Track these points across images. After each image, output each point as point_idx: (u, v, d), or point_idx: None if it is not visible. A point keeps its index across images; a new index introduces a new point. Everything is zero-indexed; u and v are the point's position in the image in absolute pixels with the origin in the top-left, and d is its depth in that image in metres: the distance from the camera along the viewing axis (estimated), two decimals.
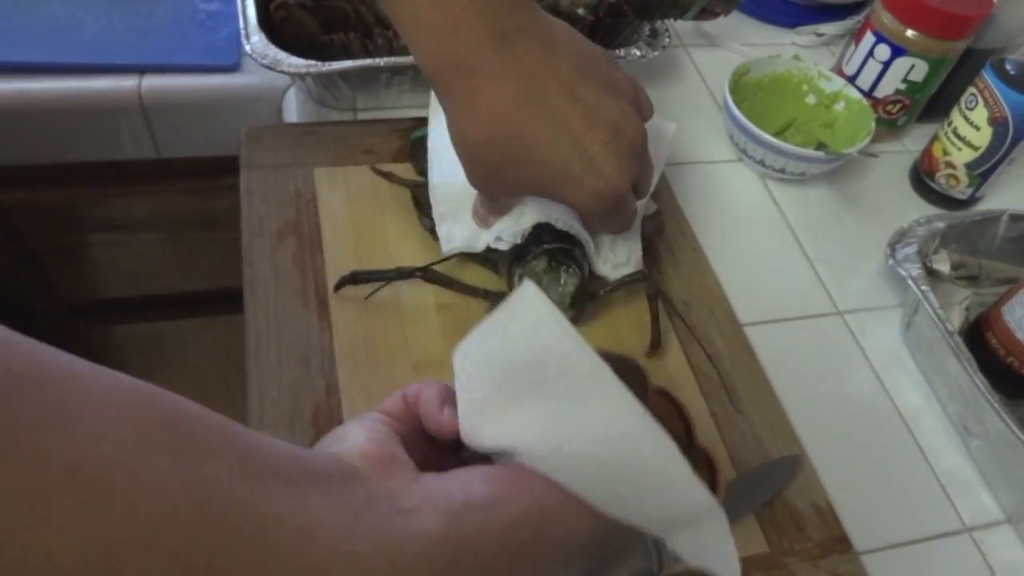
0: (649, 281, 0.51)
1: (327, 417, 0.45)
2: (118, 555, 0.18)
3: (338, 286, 0.48)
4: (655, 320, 0.50)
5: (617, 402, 0.25)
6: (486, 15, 0.38)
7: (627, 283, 0.51)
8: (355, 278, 0.48)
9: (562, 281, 0.48)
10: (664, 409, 0.38)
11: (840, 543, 0.45)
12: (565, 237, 0.48)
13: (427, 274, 0.48)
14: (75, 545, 0.18)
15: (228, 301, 0.85)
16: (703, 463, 0.37)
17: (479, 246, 0.49)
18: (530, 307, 0.25)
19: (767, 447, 0.48)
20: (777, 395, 0.51)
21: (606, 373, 0.24)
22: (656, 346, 0.50)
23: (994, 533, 0.48)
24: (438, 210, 0.51)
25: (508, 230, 0.48)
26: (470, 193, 0.49)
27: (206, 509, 0.20)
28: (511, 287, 0.49)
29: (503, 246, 0.48)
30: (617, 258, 0.51)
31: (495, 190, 0.47)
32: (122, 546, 0.18)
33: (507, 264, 0.50)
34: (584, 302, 0.49)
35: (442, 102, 0.42)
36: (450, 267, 0.50)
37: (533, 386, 0.26)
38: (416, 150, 0.56)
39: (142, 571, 0.19)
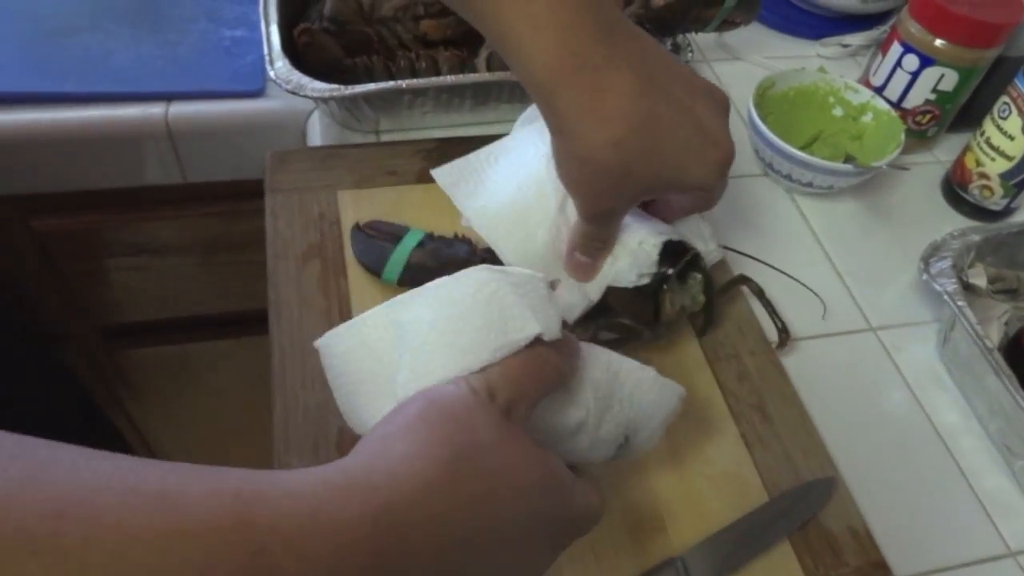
0: (751, 283, 0.54)
1: (351, 440, 0.44)
2: None
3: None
4: (772, 311, 0.53)
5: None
6: (592, 7, 0.37)
7: (729, 289, 0.53)
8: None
9: (692, 290, 0.49)
10: None
11: (878, 568, 0.43)
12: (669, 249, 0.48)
13: None
14: None
15: (254, 323, 0.85)
16: None
17: (594, 297, 0.47)
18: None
19: (800, 469, 0.46)
20: (809, 415, 0.49)
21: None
22: (787, 333, 0.53)
23: None
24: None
25: (641, 262, 0.46)
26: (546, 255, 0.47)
27: None
28: (657, 309, 0.48)
29: (647, 280, 0.46)
30: (708, 244, 0.52)
31: (618, 203, 0.43)
32: None
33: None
34: (712, 304, 0.50)
35: (555, 119, 0.39)
36: None
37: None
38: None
39: None
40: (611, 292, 0.48)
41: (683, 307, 0.48)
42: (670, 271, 0.47)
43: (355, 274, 0.51)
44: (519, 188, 0.49)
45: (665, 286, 0.47)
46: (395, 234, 0.51)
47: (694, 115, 0.39)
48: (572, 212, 0.46)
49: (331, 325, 0.49)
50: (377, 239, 0.51)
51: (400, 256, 0.49)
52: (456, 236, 0.51)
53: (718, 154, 0.40)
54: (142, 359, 0.89)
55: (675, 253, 0.48)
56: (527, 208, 0.48)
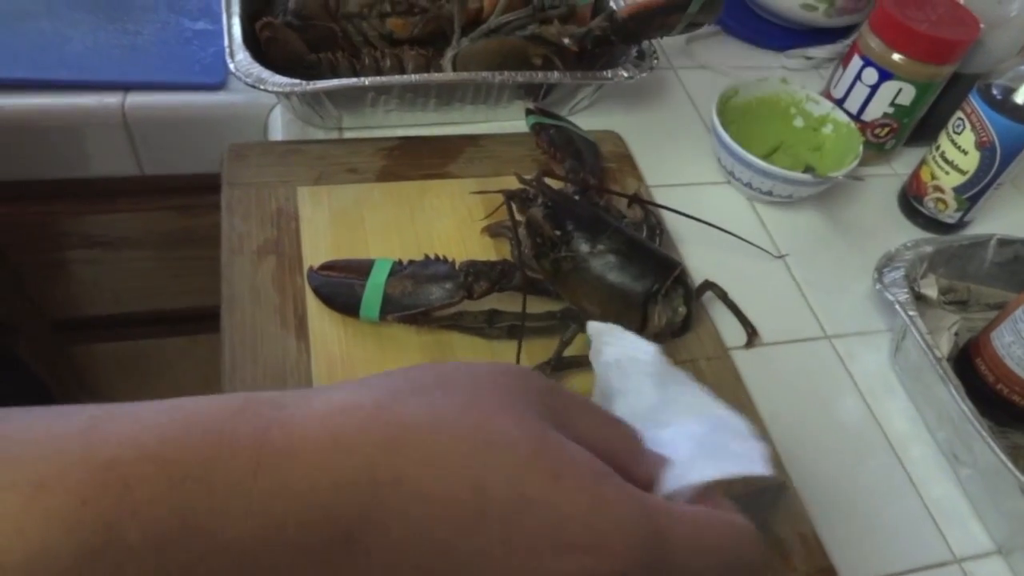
0: (716, 287, 0.55)
1: None
2: None
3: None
4: (738, 312, 0.55)
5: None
6: None
7: (699, 296, 0.54)
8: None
9: (674, 303, 0.49)
10: None
11: (826, 574, 0.44)
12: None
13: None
14: None
15: (211, 320, 0.84)
16: None
17: None
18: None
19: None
20: (763, 421, 0.50)
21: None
22: (754, 331, 0.55)
23: (984, 564, 0.47)
24: None
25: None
26: None
27: None
28: (643, 322, 0.47)
29: None
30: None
31: None
32: None
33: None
34: (691, 314, 0.50)
35: None
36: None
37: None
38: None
39: None
40: (597, 303, 0.48)
41: (668, 320, 0.49)
42: (658, 288, 0.47)
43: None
44: None
45: (653, 301, 0.47)
46: (360, 269, 0.48)
47: None
48: None
49: (284, 322, 0.48)
50: (340, 279, 0.48)
51: (374, 290, 0.47)
52: (428, 256, 0.49)
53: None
54: (98, 354, 0.87)
55: (663, 268, 0.48)
56: None
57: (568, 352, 0.48)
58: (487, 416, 0.24)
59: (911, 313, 0.51)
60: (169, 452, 0.20)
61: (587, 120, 0.65)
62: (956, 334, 0.55)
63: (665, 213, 0.60)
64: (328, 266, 0.49)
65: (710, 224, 0.56)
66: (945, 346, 0.54)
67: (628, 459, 0.27)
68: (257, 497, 0.21)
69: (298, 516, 0.21)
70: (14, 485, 0.19)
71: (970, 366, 0.54)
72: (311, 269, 0.49)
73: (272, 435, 0.22)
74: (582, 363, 0.48)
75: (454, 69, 0.61)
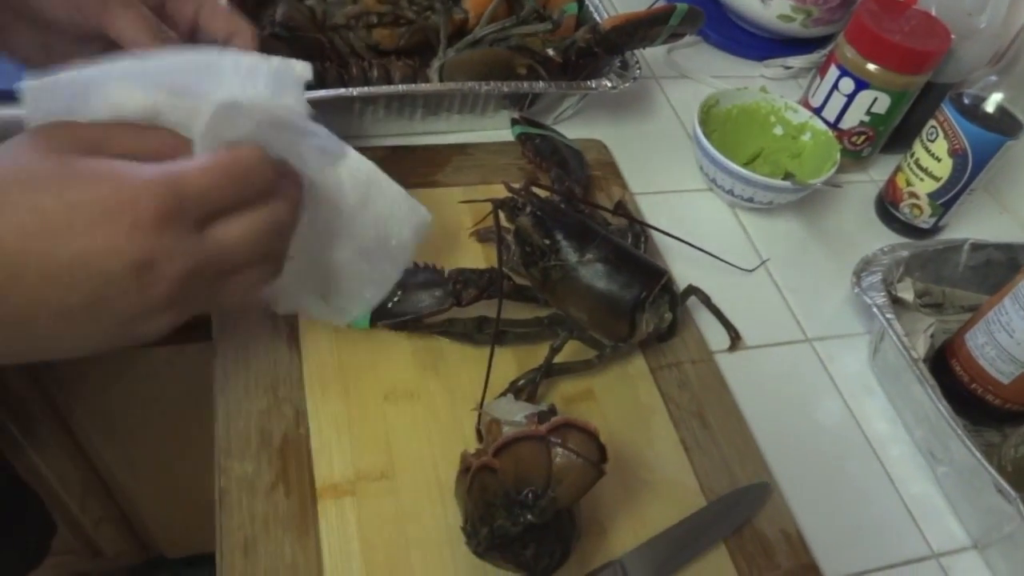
0: (699, 292, 0.56)
1: (295, 445, 0.44)
2: None
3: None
4: (721, 316, 0.56)
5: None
6: None
7: (683, 301, 0.55)
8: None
9: (661, 309, 0.50)
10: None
11: (809, 570, 0.45)
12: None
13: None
14: None
15: (198, 329, 0.84)
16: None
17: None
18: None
19: (736, 475, 0.48)
20: (746, 422, 0.51)
21: None
22: (737, 335, 0.56)
23: (961, 559, 0.48)
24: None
25: None
26: None
27: None
28: (631, 329, 0.49)
29: None
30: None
31: None
32: None
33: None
34: (676, 320, 0.52)
35: None
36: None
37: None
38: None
39: None
40: (586, 310, 0.49)
41: (655, 326, 0.50)
42: (646, 295, 0.48)
43: None
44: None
45: (641, 309, 0.48)
46: None
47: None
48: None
49: (276, 329, 0.49)
50: None
51: None
52: (417, 264, 0.49)
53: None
54: (84, 364, 0.87)
55: (650, 276, 0.49)
56: None
57: (558, 359, 0.49)
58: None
59: (888, 316, 0.53)
60: None
61: (572, 129, 0.66)
62: (932, 336, 0.57)
63: (650, 217, 0.62)
64: None
65: (688, 243, 0.57)
66: (921, 348, 0.55)
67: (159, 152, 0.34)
68: None
69: None
70: None
71: (946, 367, 0.55)
72: None
73: None
74: (573, 369, 0.49)
75: (441, 79, 0.62)
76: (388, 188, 0.43)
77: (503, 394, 0.47)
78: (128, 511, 1.05)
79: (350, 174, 0.41)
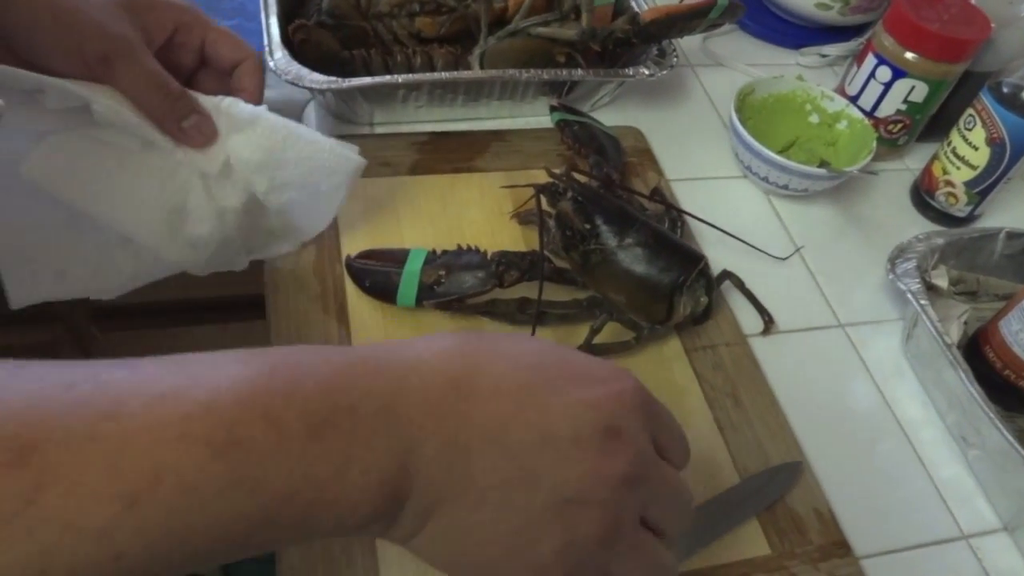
0: (733, 277, 0.57)
1: None
2: None
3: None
4: (755, 301, 0.57)
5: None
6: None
7: (718, 285, 0.56)
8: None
9: (697, 293, 0.52)
10: None
11: (840, 547, 0.46)
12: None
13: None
14: None
15: (243, 309, 0.86)
16: None
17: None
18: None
19: (769, 454, 0.49)
20: (780, 404, 0.52)
21: None
22: (771, 319, 0.57)
23: (991, 540, 0.49)
24: None
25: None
26: None
27: None
28: (669, 312, 0.50)
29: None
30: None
31: None
32: None
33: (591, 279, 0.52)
34: (711, 303, 0.53)
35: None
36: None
37: None
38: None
39: None
40: (625, 293, 0.50)
41: (691, 309, 0.51)
42: (684, 279, 0.50)
43: None
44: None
45: (679, 292, 0.50)
46: (396, 258, 0.51)
47: None
48: None
49: (326, 308, 0.51)
50: (378, 267, 0.51)
51: (410, 278, 0.50)
52: (460, 247, 0.51)
53: None
54: (132, 342, 0.90)
55: (688, 261, 0.50)
56: None
57: (596, 340, 0.51)
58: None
59: (923, 302, 0.54)
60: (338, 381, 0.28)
61: (608, 116, 0.68)
62: (965, 323, 0.57)
63: (685, 203, 0.63)
64: (365, 255, 0.52)
65: (723, 231, 0.58)
66: (955, 334, 0.56)
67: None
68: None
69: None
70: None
71: (979, 353, 0.56)
72: (349, 258, 0.52)
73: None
74: (611, 350, 0.51)
75: (482, 67, 0.63)
76: (307, 146, 0.49)
77: None
78: None
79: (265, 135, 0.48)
